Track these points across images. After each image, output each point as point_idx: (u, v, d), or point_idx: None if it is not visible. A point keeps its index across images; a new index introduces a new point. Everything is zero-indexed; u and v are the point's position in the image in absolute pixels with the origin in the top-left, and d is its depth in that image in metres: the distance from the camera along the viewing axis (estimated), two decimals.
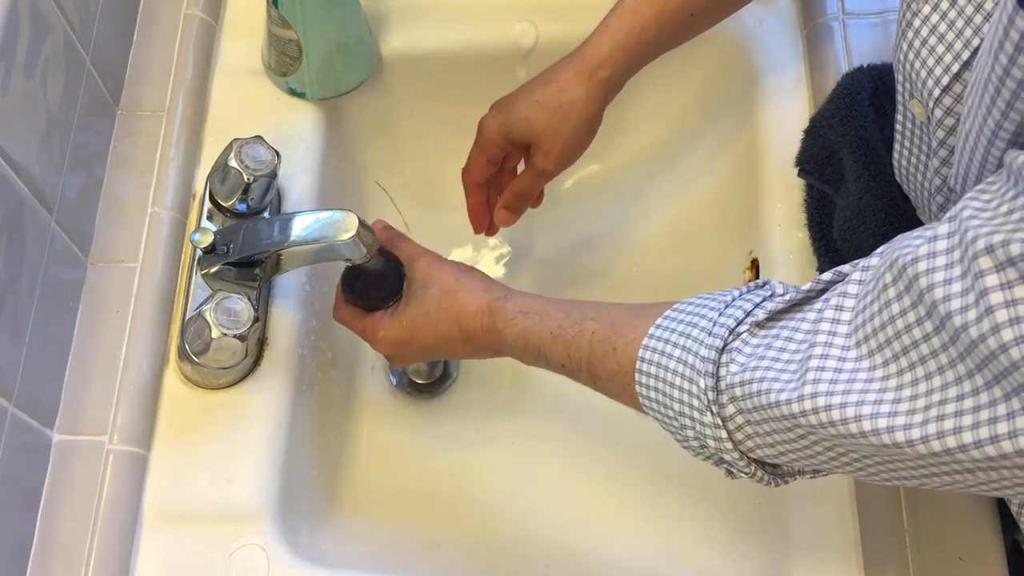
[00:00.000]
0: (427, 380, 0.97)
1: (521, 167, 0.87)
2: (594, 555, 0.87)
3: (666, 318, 0.63)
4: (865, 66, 0.83)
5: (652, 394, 0.63)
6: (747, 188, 0.90)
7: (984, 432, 0.47)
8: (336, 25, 0.86)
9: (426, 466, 0.93)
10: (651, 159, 1.01)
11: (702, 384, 0.59)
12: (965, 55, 0.57)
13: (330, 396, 0.89)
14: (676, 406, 0.61)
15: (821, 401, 0.52)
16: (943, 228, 0.50)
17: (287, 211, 0.86)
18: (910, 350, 0.50)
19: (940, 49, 0.58)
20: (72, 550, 0.71)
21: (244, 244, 0.76)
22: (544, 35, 0.95)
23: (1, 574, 0.67)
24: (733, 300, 0.61)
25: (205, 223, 0.81)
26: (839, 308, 0.55)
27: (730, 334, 0.59)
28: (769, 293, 0.61)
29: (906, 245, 0.51)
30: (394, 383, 0.97)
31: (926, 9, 0.59)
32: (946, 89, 0.58)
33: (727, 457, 0.61)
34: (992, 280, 0.45)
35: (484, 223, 0.89)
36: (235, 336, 0.73)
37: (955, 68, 0.57)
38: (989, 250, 0.46)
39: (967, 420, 0.48)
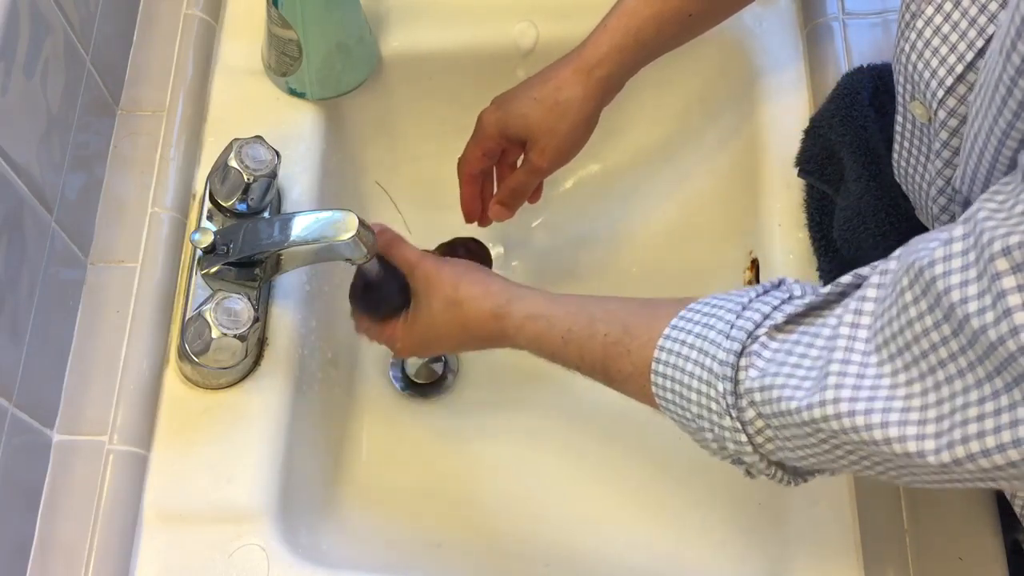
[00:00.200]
0: (427, 380, 0.97)
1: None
2: (594, 555, 0.87)
3: (681, 318, 0.63)
4: (865, 66, 0.83)
5: (669, 395, 0.62)
6: (747, 188, 0.90)
7: (1006, 436, 0.46)
8: (336, 25, 0.86)
9: (426, 466, 0.93)
10: (651, 159, 1.01)
11: (720, 388, 0.58)
12: (969, 56, 0.57)
13: (330, 396, 0.89)
14: (694, 408, 0.61)
15: (844, 407, 0.52)
16: (958, 230, 0.49)
17: (287, 211, 0.86)
18: (929, 354, 0.50)
19: (944, 50, 0.58)
20: (72, 550, 0.71)
21: (244, 244, 0.76)
22: (544, 35, 0.95)
23: (1, 574, 0.67)
24: (750, 302, 0.60)
25: (205, 223, 0.81)
26: (858, 312, 0.55)
27: (748, 337, 0.58)
28: (787, 295, 0.60)
29: (922, 248, 0.51)
30: (394, 383, 0.97)
31: (929, 10, 0.59)
32: (950, 90, 0.58)
33: (747, 459, 0.60)
34: (1009, 282, 0.45)
35: (476, 214, 0.90)
36: (235, 336, 0.73)
37: (959, 69, 0.57)
38: (1006, 252, 0.45)
39: (989, 424, 0.47)
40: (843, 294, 0.58)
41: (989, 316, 0.46)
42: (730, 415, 0.59)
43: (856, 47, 0.89)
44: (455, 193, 0.89)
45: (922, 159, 0.66)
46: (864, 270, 0.57)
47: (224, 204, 0.80)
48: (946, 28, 0.58)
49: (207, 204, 0.81)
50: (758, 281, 0.87)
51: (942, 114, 0.60)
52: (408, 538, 0.87)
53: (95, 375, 0.76)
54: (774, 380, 0.56)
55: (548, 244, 1.03)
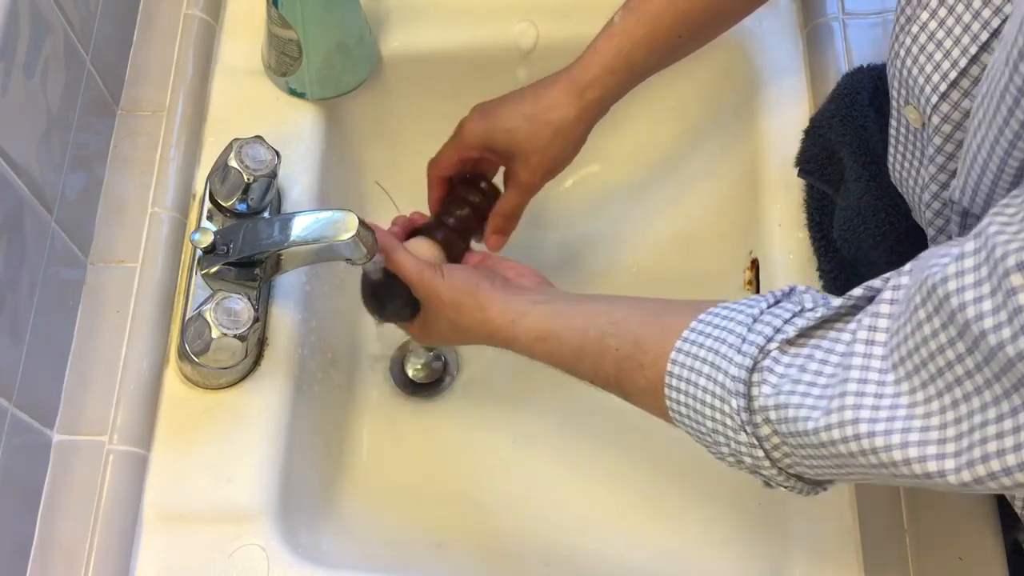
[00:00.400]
0: (427, 380, 0.97)
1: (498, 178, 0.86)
2: (594, 555, 0.87)
3: (692, 331, 0.62)
4: (865, 66, 0.83)
5: (683, 410, 0.62)
6: (747, 188, 0.90)
7: None
8: (336, 25, 0.86)
9: (426, 466, 0.93)
10: (651, 159, 1.01)
11: (734, 404, 0.58)
12: (963, 62, 0.57)
13: (330, 396, 0.89)
14: (709, 423, 0.60)
15: (864, 428, 0.51)
16: (969, 245, 0.49)
17: (287, 211, 0.86)
18: (945, 372, 0.49)
19: (938, 56, 0.58)
20: (72, 550, 0.71)
21: (244, 244, 0.76)
22: (544, 35, 0.95)
23: (1, 574, 0.67)
24: (761, 313, 0.60)
25: (205, 223, 0.81)
26: (873, 329, 0.54)
27: (760, 352, 0.58)
28: (799, 308, 0.59)
29: (934, 264, 0.50)
30: (394, 383, 0.97)
31: (924, 15, 0.59)
32: (944, 95, 0.58)
33: (765, 472, 0.60)
34: None
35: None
36: (235, 336, 0.73)
37: (953, 75, 0.57)
38: (1020, 267, 0.45)
39: (1009, 442, 0.47)
40: (856, 307, 0.57)
41: (1006, 332, 0.45)
42: (745, 431, 0.58)
43: (856, 47, 0.89)
44: None
45: (915, 163, 0.66)
46: (876, 283, 0.56)
47: (224, 204, 0.80)
48: (940, 33, 0.58)
49: (207, 204, 0.81)
50: (758, 281, 0.87)
51: (936, 119, 0.60)
52: (408, 538, 0.87)
53: (95, 375, 0.76)
54: (788, 399, 0.55)
55: (548, 244, 1.03)
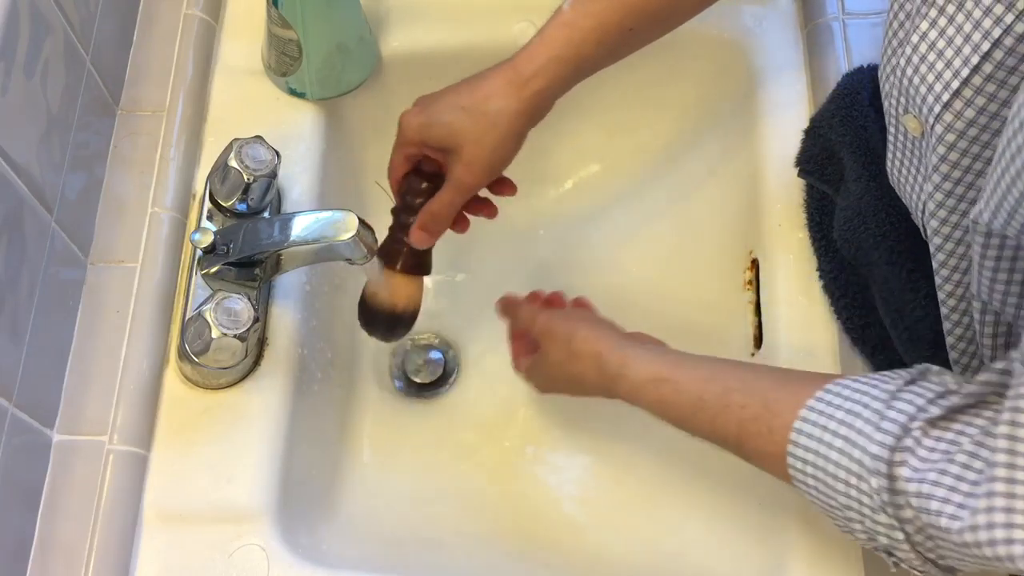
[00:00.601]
0: (427, 380, 0.97)
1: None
2: (595, 555, 0.87)
3: (820, 400, 0.60)
4: (865, 66, 0.83)
5: (811, 480, 0.60)
6: (747, 188, 0.90)
7: None
8: (336, 25, 0.86)
9: (426, 466, 0.93)
10: (651, 159, 1.01)
11: (874, 484, 0.56)
12: (964, 72, 0.56)
13: (330, 396, 0.89)
14: (841, 499, 0.59)
15: (1018, 534, 0.49)
16: None
17: (287, 211, 0.86)
18: None
19: (939, 65, 0.58)
20: (72, 550, 0.71)
21: (244, 244, 0.76)
22: None
23: (1, 574, 0.67)
24: (899, 391, 0.58)
25: (205, 223, 0.81)
26: (1015, 424, 0.51)
27: (902, 430, 0.56)
28: (942, 390, 0.57)
29: None
30: (394, 383, 0.97)
31: (924, 25, 0.59)
32: (947, 105, 0.58)
33: (900, 554, 0.58)
34: None
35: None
36: (235, 336, 0.73)
37: (955, 85, 0.57)
38: None
39: None
40: (1001, 389, 0.54)
41: None
42: (886, 512, 0.56)
43: (856, 47, 0.89)
44: None
45: (914, 171, 0.66)
46: (1015, 363, 0.53)
47: (224, 204, 0.80)
48: (941, 43, 0.58)
49: (207, 204, 0.81)
50: (758, 281, 0.87)
51: (939, 128, 0.59)
52: (408, 538, 0.87)
53: (95, 375, 0.76)
54: (933, 490, 0.54)
55: (548, 244, 1.03)
